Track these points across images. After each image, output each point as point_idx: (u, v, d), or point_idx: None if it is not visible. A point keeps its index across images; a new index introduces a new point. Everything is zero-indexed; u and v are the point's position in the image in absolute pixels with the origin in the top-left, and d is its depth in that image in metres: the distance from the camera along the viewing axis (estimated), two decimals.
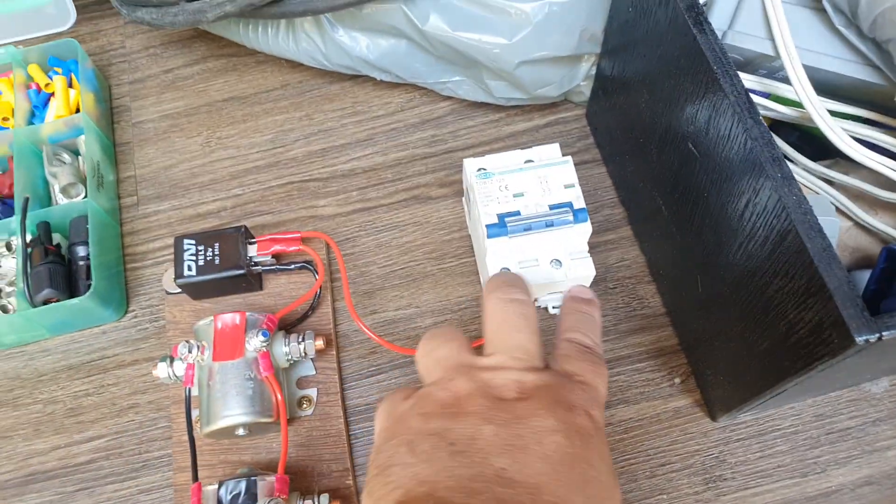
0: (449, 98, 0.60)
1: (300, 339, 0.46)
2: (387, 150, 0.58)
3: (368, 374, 0.49)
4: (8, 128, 0.56)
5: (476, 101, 0.58)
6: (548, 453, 0.28)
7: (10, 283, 0.50)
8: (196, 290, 0.49)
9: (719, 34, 0.39)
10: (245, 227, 0.49)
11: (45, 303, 0.48)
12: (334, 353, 0.49)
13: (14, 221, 0.50)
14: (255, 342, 0.43)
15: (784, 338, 0.34)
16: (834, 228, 0.40)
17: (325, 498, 0.43)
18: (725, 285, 0.39)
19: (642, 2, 0.41)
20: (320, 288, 0.50)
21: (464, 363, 0.32)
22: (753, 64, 0.40)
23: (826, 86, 0.40)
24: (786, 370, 0.34)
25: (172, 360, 0.44)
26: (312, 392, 0.48)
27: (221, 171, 0.58)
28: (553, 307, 0.49)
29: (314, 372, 0.48)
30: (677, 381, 0.48)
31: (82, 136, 0.55)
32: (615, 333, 0.50)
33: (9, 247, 0.51)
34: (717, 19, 0.39)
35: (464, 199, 0.54)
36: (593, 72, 0.53)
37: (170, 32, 0.66)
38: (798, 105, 0.39)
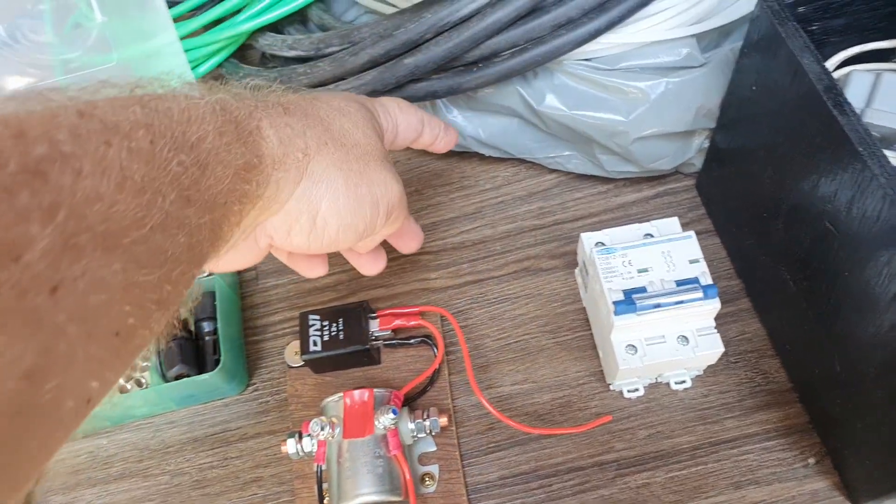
0: (555, 171, 0.60)
1: (425, 417, 0.46)
2: (495, 223, 0.59)
3: (488, 450, 0.49)
4: None
5: (584, 174, 0.58)
6: None
7: (145, 358, 0.52)
8: (319, 365, 0.50)
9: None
10: (366, 302, 0.51)
11: (177, 377, 0.50)
12: (453, 428, 0.49)
13: None
14: (384, 420, 0.44)
15: None
16: None
17: None
18: (871, 366, 0.38)
19: (769, 81, 0.41)
20: (440, 363, 0.50)
21: None
22: (889, 139, 0.39)
23: None
24: None
25: (301, 436, 0.45)
26: (434, 469, 0.48)
27: None
28: (676, 382, 0.49)
29: (435, 448, 0.48)
30: (811, 461, 0.46)
31: None
32: (740, 410, 0.48)
33: None
34: (853, 97, 0.38)
35: (577, 270, 0.54)
36: (706, 145, 0.53)
37: None
38: None
